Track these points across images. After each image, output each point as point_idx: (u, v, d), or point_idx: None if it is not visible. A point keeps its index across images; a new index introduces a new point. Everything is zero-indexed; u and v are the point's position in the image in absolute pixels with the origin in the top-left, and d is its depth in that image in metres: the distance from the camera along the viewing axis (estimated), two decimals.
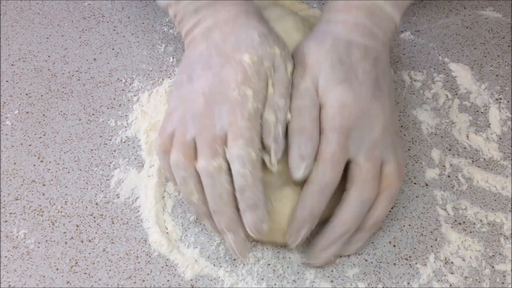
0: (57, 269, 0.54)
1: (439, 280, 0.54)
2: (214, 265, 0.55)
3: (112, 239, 0.56)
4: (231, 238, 0.52)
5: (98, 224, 0.57)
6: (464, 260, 0.55)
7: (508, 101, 0.66)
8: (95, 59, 0.69)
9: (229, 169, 0.51)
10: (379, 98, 0.54)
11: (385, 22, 0.57)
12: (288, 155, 0.52)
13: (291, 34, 0.58)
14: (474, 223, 0.57)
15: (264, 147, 0.52)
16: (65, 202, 0.58)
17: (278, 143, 0.52)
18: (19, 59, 0.69)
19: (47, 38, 0.71)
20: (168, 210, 0.58)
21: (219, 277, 0.54)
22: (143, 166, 0.60)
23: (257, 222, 0.51)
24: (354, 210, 0.52)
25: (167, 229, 0.57)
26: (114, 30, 0.72)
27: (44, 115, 0.64)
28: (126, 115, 0.64)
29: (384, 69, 0.57)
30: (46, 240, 0.56)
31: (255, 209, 0.51)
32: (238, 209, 0.52)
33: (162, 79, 0.67)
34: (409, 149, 0.62)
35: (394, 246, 0.56)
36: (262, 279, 0.54)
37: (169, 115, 0.55)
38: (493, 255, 0.55)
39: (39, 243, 0.55)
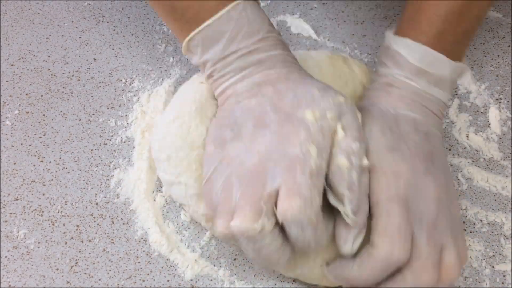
0: (57, 269, 0.54)
1: None
2: (214, 265, 0.55)
3: (112, 239, 0.56)
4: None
5: (98, 224, 0.57)
6: None
7: (508, 101, 0.66)
8: (95, 59, 0.69)
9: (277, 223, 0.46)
10: (433, 174, 0.50)
11: (432, 100, 0.54)
12: (336, 227, 0.48)
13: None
14: (474, 223, 0.57)
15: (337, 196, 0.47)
16: (65, 202, 0.58)
17: (353, 191, 0.47)
18: (19, 59, 0.69)
19: (47, 38, 0.71)
20: (168, 210, 0.58)
21: (219, 277, 0.54)
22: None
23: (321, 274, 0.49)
24: None
25: (167, 229, 0.57)
26: (114, 30, 0.72)
27: (44, 115, 0.64)
28: (126, 115, 0.64)
29: (437, 145, 0.52)
30: (46, 240, 0.56)
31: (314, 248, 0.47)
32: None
33: (162, 79, 0.67)
34: None
35: None
36: (262, 279, 0.54)
37: (209, 181, 0.49)
38: (493, 255, 0.55)
39: (39, 243, 0.55)
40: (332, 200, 0.47)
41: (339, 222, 0.48)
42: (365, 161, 0.48)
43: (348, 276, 0.49)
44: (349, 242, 0.47)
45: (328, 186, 0.48)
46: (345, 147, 0.47)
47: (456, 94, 0.67)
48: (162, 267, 0.54)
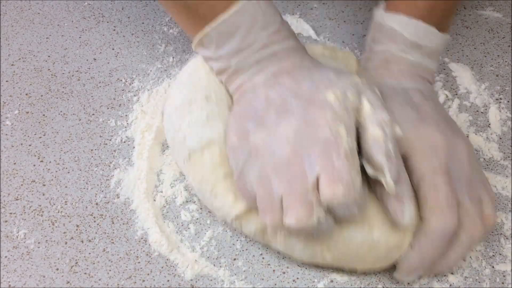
0: (57, 269, 0.54)
1: (439, 280, 0.54)
2: (214, 265, 0.55)
3: (112, 239, 0.56)
4: None
5: (98, 224, 0.57)
6: (464, 260, 0.55)
7: (508, 101, 0.66)
8: (95, 59, 0.69)
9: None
10: (458, 134, 0.53)
11: (425, 70, 0.57)
12: (386, 203, 0.49)
13: None
14: None
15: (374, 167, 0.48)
16: (65, 202, 0.58)
17: (391, 160, 0.47)
18: (19, 59, 0.69)
19: (47, 38, 0.71)
20: (168, 210, 0.58)
21: (219, 277, 0.54)
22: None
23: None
24: (462, 253, 0.51)
25: (167, 229, 0.57)
26: (114, 30, 0.72)
27: (44, 115, 0.64)
28: (126, 115, 0.64)
29: (442, 107, 0.56)
30: (46, 240, 0.56)
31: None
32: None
33: (162, 79, 0.67)
34: None
35: None
36: (262, 279, 0.54)
37: (242, 175, 0.49)
38: (493, 255, 0.55)
39: (39, 243, 0.55)
40: (372, 172, 0.48)
41: (388, 198, 0.48)
42: (398, 130, 0.48)
43: (412, 262, 0.50)
44: (406, 212, 0.48)
45: (365, 159, 0.48)
46: (376, 119, 0.48)
47: (456, 94, 0.67)
48: (162, 267, 0.54)
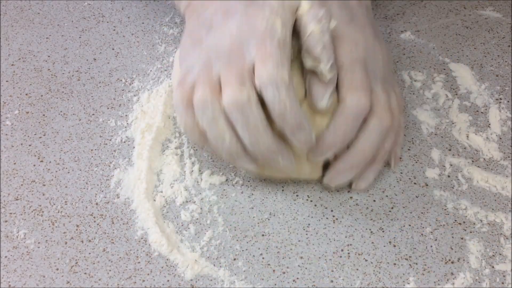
0: (57, 269, 0.54)
1: (439, 280, 0.54)
2: (214, 265, 0.55)
3: (112, 239, 0.56)
4: (280, 161, 0.54)
5: (98, 224, 0.57)
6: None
7: (508, 101, 0.66)
8: (95, 59, 0.69)
9: (259, 101, 0.51)
10: (378, 39, 0.59)
11: None
12: (310, 88, 0.54)
13: None
14: (474, 223, 0.57)
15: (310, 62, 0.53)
16: (65, 202, 0.58)
17: (328, 51, 0.52)
18: (19, 59, 0.69)
19: (47, 38, 0.71)
20: (168, 210, 0.58)
21: (219, 277, 0.54)
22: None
23: (308, 139, 0.53)
24: (374, 138, 0.55)
25: (167, 229, 0.57)
26: (114, 30, 0.72)
27: (44, 115, 0.64)
28: (126, 115, 0.64)
29: (372, 14, 0.62)
30: (46, 240, 0.56)
31: (302, 129, 0.52)
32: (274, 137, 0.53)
33: (162, 79, 0.67)
34: (409, 149, 0.62)
35: (394, 246, 0.56)
36: (262, 279, 0.54)
37: (188, 71, 0.55)
38: (493, 255, 0.55)
39: (39, 243, 0.55)
40: (310, 63, 0.53)
41: (314, 82, 0.54)
42: (333, 23, 0.54)
43: (326, 139, 0.54)
44: (325, 97, 0.54)
45: (305, 52, 0.53)
46: (314, 15, 0.53)
47: (456, 94, 0.67)
48: (162, 267, 0.54)
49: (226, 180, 0.60)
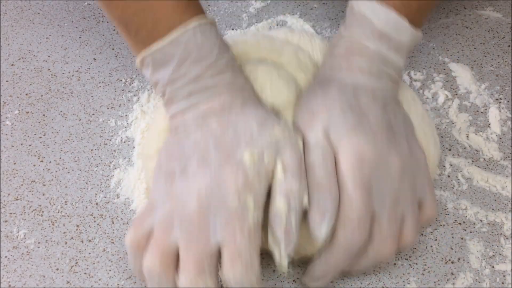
0: (57, 269, 0.54)
1: (439, 281, 0.54)
2: None
3: (112, 239, 0.56)
4: None
5: (98, 224, 0.57)
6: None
7: (508, 101, 0.66)
8: (95, 59, 0.69)
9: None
10: (395, 145, 0.51)
11: (390, 65, 0.55)
12: (308, 214, 0.49)
13: (282, 90, 0.55)
14: (474, 223, 0.57)
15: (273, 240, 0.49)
16: (65, 202, 0.58)
17: (289, 236, 0.48)
18: (19, 59, 0.69)
19: (47, 38, 0.71)
20: None
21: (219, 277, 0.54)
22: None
23: None
24: (366, 267, 0.52)
25: None
26: (114, 30, 0.72)
27: (44, 115, 0.64)
28: (126, 115, 0.64)
29: (394, 110, 0.54)
30: (46, 240, 0.56)
31: None
32: None
33: None
34: None
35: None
36: (262, 279, 0.54)
37: (151, 209, 0.50)
38: (493, 255, 0.55)
39: (39, 243, 0.55)
40: (271, 242, 0.49)
41: (314, 210, 0.49)
42: (305, 201, 0.49)
43: (318, 271, 0.51)
44: (323, 229, 0.49)
45: (269, 227, 0.49)
46: (285, 190, 0.48)
47: (456, 94, 0.67)
48: None
49: None
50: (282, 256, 0.48)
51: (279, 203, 0.48)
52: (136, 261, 0.50)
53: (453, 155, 0.62)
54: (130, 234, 0.50)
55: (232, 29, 0.73)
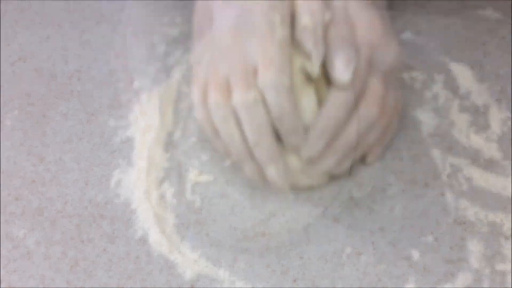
0: (57, 269, 0.54)
1: (440, 280, 0.54)
2: (214, 265, 0.55)
3: (112, 239, 0.56)
4: (273, 170, 0.54)
5: (98, 224, 0.57)
6: None
7: (508, 101, 0.66)
8: (95, 59, 0.69)
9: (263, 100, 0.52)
10: (395, 35, 0.57)
11: None
12: (332, 60, 0.53)
13: None
14: (474, 223, 0.57)
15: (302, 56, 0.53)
16: (65, 202, 0.58)
17: (319, 47, 0.52)
18: (19, 59, 0.69)
19: (47, 38, 0.71)
20: (168, 210, 0.58)
21: (219, 277, 0.54)
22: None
23: (299, 143, 0.54)
24: (355, 125, 0.55)
25: (167, 229, 0.57)
26: (114, 30, 0.72)
27: (44, 115, 0.64)
28: (126, 115, 0.64)
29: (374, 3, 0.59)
30: (46, 240, 0.56)
31: (295, 133, 0.53)
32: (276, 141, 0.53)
33: (162, 79, 0.67)
34: (409, 149, 0.62)
35: (394, 246, 0.56)
36: (262, 279, 0.54)
37: (198, 64, 0.56)
38: (493, 255, 0.55)
39: (39, 243, 0.55)
40: (299, 59, 0.53)
41: (339, 59, 0.52)
42: (327, 16, 0.53)
43: (319, 119, 0.54)
44: (348, 71, 0.52)
45: (296, 46, 0.53)
46: (307, 7, 0.52)
47: (456, 94, 0.67)
48: (162, 267, 0.54)
49: (226, 180, 0.60)
50: (314, 66, 0.52)
51: (304, 20, 0.52)
52: (203, 112, 0.55)
53: (453, 155, 0.62)
54: (193, 91, 0.56)
55: None
